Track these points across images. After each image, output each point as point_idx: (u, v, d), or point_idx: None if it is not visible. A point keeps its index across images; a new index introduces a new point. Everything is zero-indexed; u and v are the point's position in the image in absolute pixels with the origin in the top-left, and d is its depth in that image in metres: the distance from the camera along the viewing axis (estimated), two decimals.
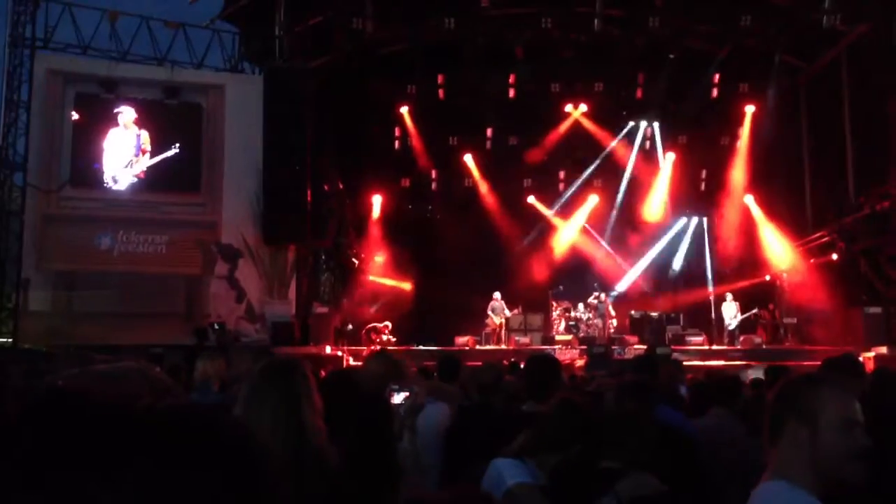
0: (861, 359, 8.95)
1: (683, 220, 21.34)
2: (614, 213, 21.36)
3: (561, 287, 19.82)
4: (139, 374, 0.71)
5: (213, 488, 0.61)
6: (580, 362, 15.75)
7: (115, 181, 17.60)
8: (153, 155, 17.76)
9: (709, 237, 20.95)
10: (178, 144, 17.82)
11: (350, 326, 18.11)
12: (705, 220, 20.99)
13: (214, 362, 5.54)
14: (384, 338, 18.07)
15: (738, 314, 18.44)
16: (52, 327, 15.79)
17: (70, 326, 15.89)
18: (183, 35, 18.45)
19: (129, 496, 0.58)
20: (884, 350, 14.99)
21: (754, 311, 18.69)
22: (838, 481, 1.90)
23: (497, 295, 18.89)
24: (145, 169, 17.76)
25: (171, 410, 0.65)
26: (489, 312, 18.72)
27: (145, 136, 17.74)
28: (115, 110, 17.64)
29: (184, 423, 0.64)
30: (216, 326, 16.28)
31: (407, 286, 20.47)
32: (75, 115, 17.43)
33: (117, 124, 17.64)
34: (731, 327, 18.40)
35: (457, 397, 4.91)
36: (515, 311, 19.24)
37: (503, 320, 18.78)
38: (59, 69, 17.70)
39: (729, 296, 18.77)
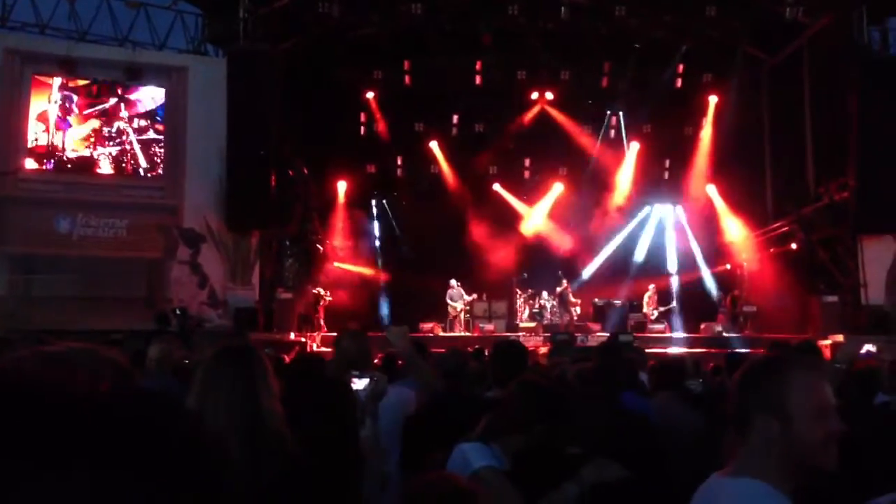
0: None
1: (647, 209, 21.56)
2: (579, 201, 21.46)
3: (525, 275, 19.90)
4: (91, 356, 0.66)
5: (156, 485, 0.57)
6: (543, 349, 15.82)
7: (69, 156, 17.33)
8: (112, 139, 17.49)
9: (672, 226, 21.17)
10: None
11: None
12: (670, 208, 21.21)
13: (169, 346, 5.45)
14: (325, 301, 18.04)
15: (656, 307, 18.78)
16: (8, 312, 15.46)
17: (27, 311, 15.58)
18: (144, 15, 18.13)
19: (61, 490, 0.54)
20: (840, 338, 15.27)
21: (671, 304, 19.04)
22: (811, 469, 1.82)
23: (453, 282, 18.92)
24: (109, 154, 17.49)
25: (116, 397, 0.60)
26: (447, 300, 18.75)
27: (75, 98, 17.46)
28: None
29: (128, 412, 0.60)
30: (178, 311, 16.08)
31: (371, 272, 20.41)
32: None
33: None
34: (653, 317, 18.79)
35: (429, 376, 4.88)
36: (474, 296, 19.28)
37: (464, 306, 18.83)
38: (16, 48, 17.29)
39: (651, 287, 18.99)
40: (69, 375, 0.58)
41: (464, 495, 1.87)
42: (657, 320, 18.76)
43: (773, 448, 1.79)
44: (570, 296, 19.01)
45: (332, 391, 3.50)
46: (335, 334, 6.13)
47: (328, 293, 18.26)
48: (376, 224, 21.68)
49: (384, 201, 21.74)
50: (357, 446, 3.46)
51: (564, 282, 19.17)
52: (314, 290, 17.92)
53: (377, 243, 21.46)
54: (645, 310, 18.91)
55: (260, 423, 2.44)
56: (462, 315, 18.91)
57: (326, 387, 3.63)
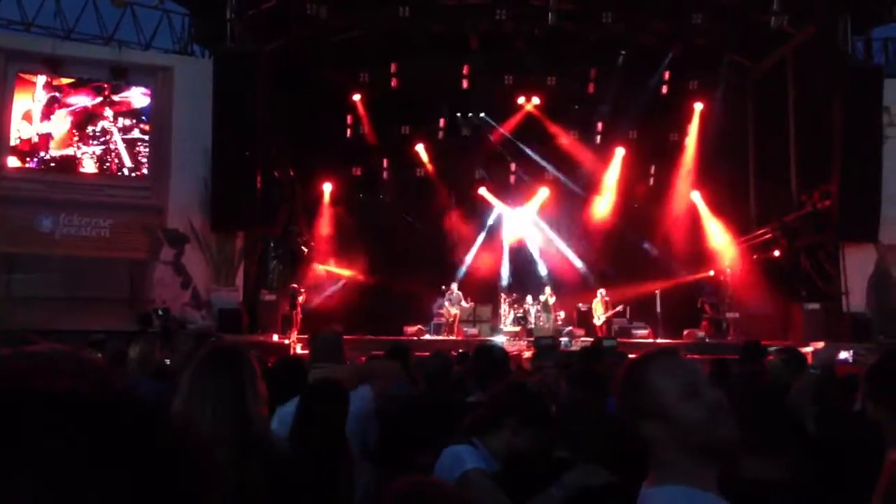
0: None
1: (631, 214, 21.62)
2: (564, 205, 21.52)
3: (510, 279, 19.91)
4: (72, 358, 0.65)
5: (134, 490, 0.55)
6: (527, 354, 15.83)
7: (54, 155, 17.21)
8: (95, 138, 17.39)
9: (656, 232, 21.23)
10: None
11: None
12: (651, 215, 21.28)
13: (150, 347, 5.40)
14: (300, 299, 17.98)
15: (605, 311, 18.66)
16: None
17: (8, 310, 15.46)
18: (131, 14, 18.05)
19: (35, 491, 0.52)
20: (821, 345, 15.35)
21: (618, 308, 18.89)
22: (717, 449, 1.73)
23: (454, 286, 18.92)
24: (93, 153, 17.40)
25: (97, 397, 0.58)
26: (445, 303, 18.71)
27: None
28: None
29: (109, 413, 0.58)
30: (160, 312, 15.99)
31: (356, 275, 20.38)
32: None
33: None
34: (598, 322, 18.61)
35: (394, 373, 4.87)
36: (472, 303, 19.28)
37: (458, 311, 18.81)
38: (1, 46, 17.16)
39: (601, 292, 18.94)
40: (51, 374, 0.57)
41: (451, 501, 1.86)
42: (603, 325, 18.60)
43: (672, 449, 1.74)
44: (549, 300, 18.98)
45: (319, 392, 3.49)
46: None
47: (301, 288, 18.14)
48: (361, 226, 21.62)
49: (371, 203, 21.71)
50: (345, 447, 3.45)
51: (547, 289, 19.19)
52: (292, 286, 17.87)
53: (362, 246, 21.39)
54: (596, 315, 18.73)
55: (247, 427, 2.43)
56: (455, 319, 18.84)
57: (312, 388, 3.62)
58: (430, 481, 1.94)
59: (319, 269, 19.87)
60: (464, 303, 18.87)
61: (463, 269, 20.40)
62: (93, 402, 0.56)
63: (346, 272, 20.27)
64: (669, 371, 1.80)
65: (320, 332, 4.82)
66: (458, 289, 19.08)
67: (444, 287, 18.96)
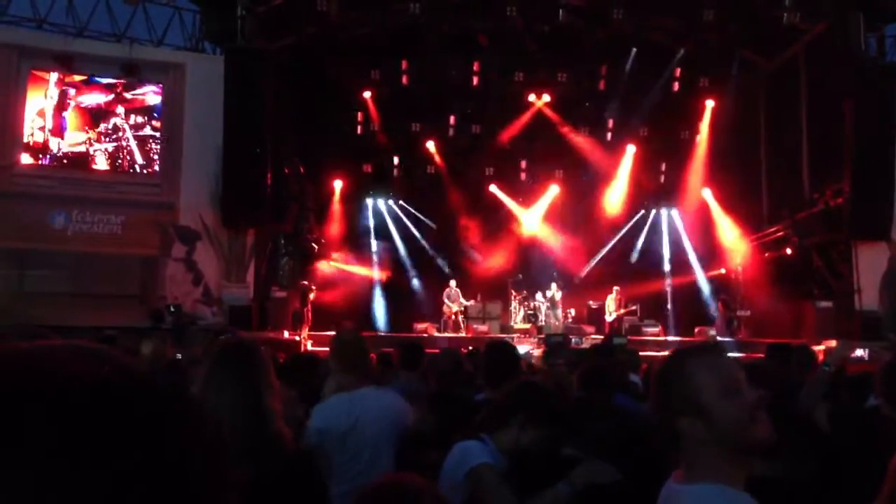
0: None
1: (642, 212, 21.59)
2: (575, 203, 21.49)
3: (520, 276, 19.90)
4: (88, 348, 0.66)
5: (152, 481, 0.54)
6: (537, 351, 15.84)
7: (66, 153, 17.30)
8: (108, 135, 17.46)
9: (667, 229, 21.19)
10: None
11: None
12: (663, 212, 21.24)
13: (162, 343, 5.44)
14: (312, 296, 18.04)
15: (617, 309, 18.62)
16: (1, 307, 15.44)
17: (21, 307, 15.55)
18: (143, 12, 18.11)
19: (64, 476, 0.51)
20: (833, 343, 15.29)
21: (632, 307, 18.82)
22: (753, 449, 1.75)
23: (452, 283, 18.92)
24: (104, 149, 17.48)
25: (118, 380, 0.57)
26: (444, 300, 18.74)
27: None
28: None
29: (132, 395, 0.57)
30: (172, 308, 16.06)
31: (366, 272, 20.41)
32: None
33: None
34: (609, 319, 18.61)
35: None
36: (472, 301, 19.27)
37: (459, 308, 18.81)
38: (13, 43, 17.24)
39: (615, 289, 18.90)
40: (71, 360, 0.57)
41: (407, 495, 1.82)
42: (614, 322, 18.56)
43: (708, 447, 1.74)
44: (559, 297, 18.95)
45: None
46: (325, 333, 6.08)
47: (312, 285, 18.20)
48: (372, 223, 21.67)
49: (380, 201, 21.74)
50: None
51: (554, 285, 19.17)
52: (303, 283, 17.92)
53: (372, 243, 21.45)
54: (608, 311, 18.71)
55: (261, 422, 2.44)
56: (457, 317, 18.87)
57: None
58: (408, 477, 1.94)
59: (330, 265, 19.91)
60: (462, 300, 18.86)
61: (473, 266, 20.38)
62: (108, 389, 0.56)
63: (356, 269, 20.30)
64: (711, 368, 1.79)
65: (340, 332, 4.49)
66: (467, 285, 19.08)
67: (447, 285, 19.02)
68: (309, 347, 15.42)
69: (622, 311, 18.58)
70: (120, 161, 17.75)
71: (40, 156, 17.33)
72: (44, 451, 0.52)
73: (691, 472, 1.77)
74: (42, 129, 17.26)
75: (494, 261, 20.30)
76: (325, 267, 19.71)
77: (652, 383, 1.92)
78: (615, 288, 18.83)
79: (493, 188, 21.68)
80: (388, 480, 1.92)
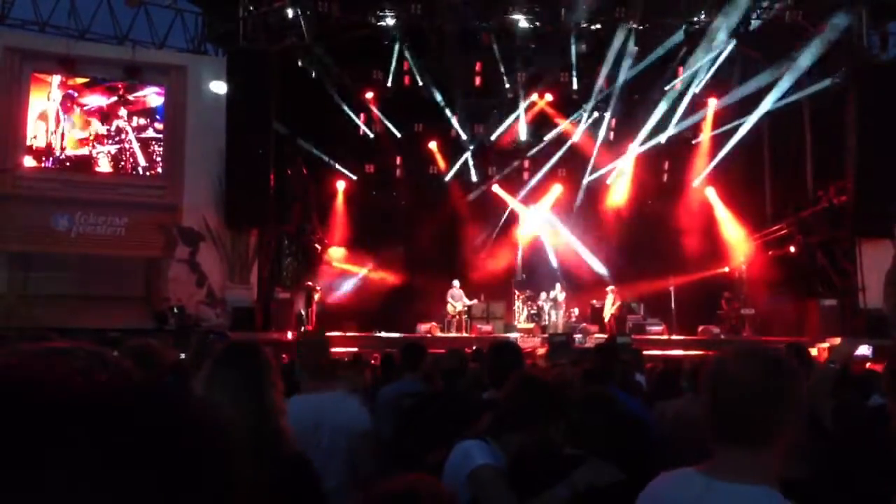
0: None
1: (644, 211, 21.52)
2: (578, 202, 21.45)
3: (524, 276, 19.88)
4: (92, 355, 0.64)
5: (162, 491, 0.54)
6: (541, 351, 15.82)
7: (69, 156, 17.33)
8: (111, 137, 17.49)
9: (670, 229, 21.13)
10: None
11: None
12: (665, 211, 21.17)
13: (165, 345, 5.44)
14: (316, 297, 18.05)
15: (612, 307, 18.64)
16: (6, 309, 15.46)
17: (25, 308, 15.57)
18: (144, 14, 18.14)
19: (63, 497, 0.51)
20: (837, 341, 15.27)
21: (620, 303, 18.76)
22: (793, 449, 1.73)
23: (455, 283, 18.91)
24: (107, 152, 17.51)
25: (125, 389, 0.57)
26: (448, 299, 18.74)
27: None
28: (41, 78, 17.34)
29: (132, 413, 0.56)
30: (175, 310, 16.08)
31: (370, 272, 20.40)
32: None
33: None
34: (606, 318, 18.60)
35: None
36: (475, 301, 19.25)
37: (462, 308, 18.79)
38: (16, 46, 17.29)
39: (610, 289, 18.87)
40: (71, 368, 0.57)
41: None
42: (611, 321, 18.52)
43: (790, 447, 1.71)
44: (562, 297, 18.93)
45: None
46: (331, 334, 6.07)
47: (317, 285, 18.22)
48: (375, 224, 21.64)
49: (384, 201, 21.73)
50: None
51: (558, 285, 19.14)
52: (307, 283, 17.92)
53: (375, 243, 21.43)
54: (606, 312, 18.69)
55: (264, 422, 2.45)
56: (460, 317, 18.85)
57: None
58: (424, 480, 1.91)
59: (333, 266, 19.91)
60: (465, 300, 18.84)
61: (476, 266, 20.34)
62: (112, 400, 0.56)
63: (360, 269, 20.31)
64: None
65: (305, 335, 4.51)
66: (471, 285, 19.07)
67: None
68: None
69: (614, 308, 18.58)
70: (123, 163, 17.78)
71: (43, 158, 17.36)
72: (62, 469, 0.51)
73: (754, 474, 1.70)
74: (45, 132, 17.28)
75: (497, 261, 20.28)
76: (328, 268, 19.71)
77: (701, 384, 1.86)
78: (609, 288, 18.84)
79: (495, 188, 21.66)
80: (403, 485, 1.88)
